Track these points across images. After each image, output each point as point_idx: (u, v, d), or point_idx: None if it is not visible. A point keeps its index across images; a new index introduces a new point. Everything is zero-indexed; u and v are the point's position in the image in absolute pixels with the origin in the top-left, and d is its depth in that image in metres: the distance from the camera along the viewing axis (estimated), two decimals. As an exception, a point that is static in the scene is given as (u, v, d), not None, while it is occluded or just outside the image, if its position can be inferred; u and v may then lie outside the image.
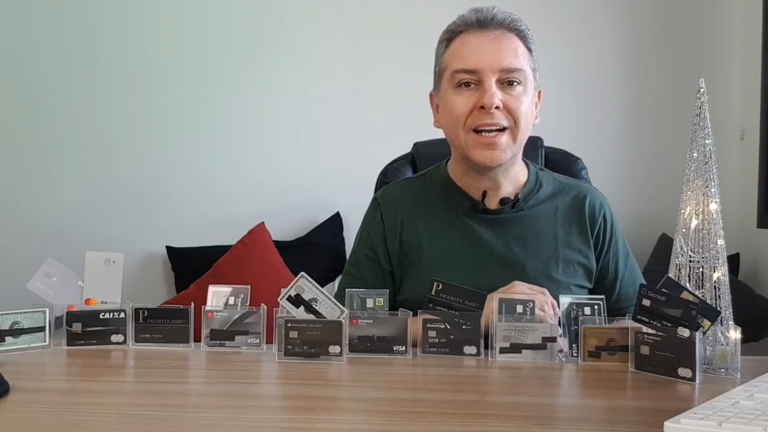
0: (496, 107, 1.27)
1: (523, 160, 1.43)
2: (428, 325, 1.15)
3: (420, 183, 1.47)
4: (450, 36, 1.35)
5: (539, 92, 1.37)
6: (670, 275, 1.07)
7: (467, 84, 1.30)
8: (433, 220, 1.40)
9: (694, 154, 1.07)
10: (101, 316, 1.20)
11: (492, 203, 1.38)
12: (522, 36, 1.32)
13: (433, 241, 1.38)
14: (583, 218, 1.39)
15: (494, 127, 1.29)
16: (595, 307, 1.14)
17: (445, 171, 1.44)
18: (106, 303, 1.24)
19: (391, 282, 1.39)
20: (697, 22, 2.87)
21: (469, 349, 1.13)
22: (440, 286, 1.15)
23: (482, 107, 1.28)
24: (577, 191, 1.43)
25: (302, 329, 1.10)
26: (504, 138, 1.30)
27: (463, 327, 1.13)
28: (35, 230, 2.92)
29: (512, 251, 1.35)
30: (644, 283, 1.41)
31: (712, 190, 1.06)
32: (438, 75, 1.38)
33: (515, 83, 1.29)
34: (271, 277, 2.55)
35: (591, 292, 1.39)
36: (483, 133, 1.29)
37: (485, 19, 1.31)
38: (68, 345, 1.19)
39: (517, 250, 1.35)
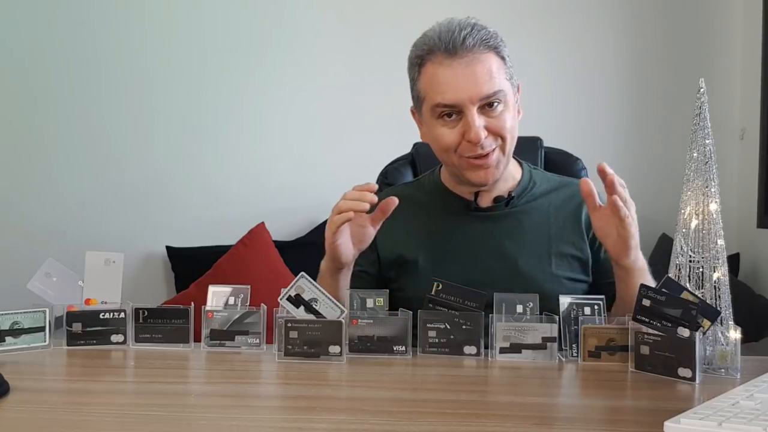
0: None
1: (515, 158, 1.43)
2: (428, 325, 1.15)
3: (413, 188, 1.49)
4: (420, 61, 1.31)
5: (518, 86, 1.35)
6: (670, 275, 1.07)
7: (449, 115, 1.28)
8: (426, 220, 1.41)
9: (694, 154, 1.07)
10: (101, 316, 1.20)
11: (485, 201, 1.39)
12: (493, 49, 1.28)
13: (426, 240, 1.39)
14: (578, 213, 1.39)
15: (484, 152, 1.28)
16: (595, 307, 1.14)
17: (438, 177, 1.45)
18: (106, 303, 1.24)
19: (376, 287, 1.38)
20: (697, 22, 2.87)
21: (469, 349, 1.13)
22: (440, 286, 1.16)
23: (469, 140, 1.27)
24: (571, 187, 1.43)
25: (302, 329, 1.10)
26: (495, 156, 1.29)
27: (463, 327, 1.13)
28: (35, 230, 2.92)
29: (504, 246, 1.36)
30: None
31: (712, 190, 1.06)
32: (417, 100, 1.36)
33: (496, 104, 1.27)
34: (271, 277, 2.55)
35: (595, 288, 1.38)
36: (474, 158, 1.29)
37: (454, 46, 1.25)
38: (68, 345, 1.19)
39: (509, 246, 1.36)
